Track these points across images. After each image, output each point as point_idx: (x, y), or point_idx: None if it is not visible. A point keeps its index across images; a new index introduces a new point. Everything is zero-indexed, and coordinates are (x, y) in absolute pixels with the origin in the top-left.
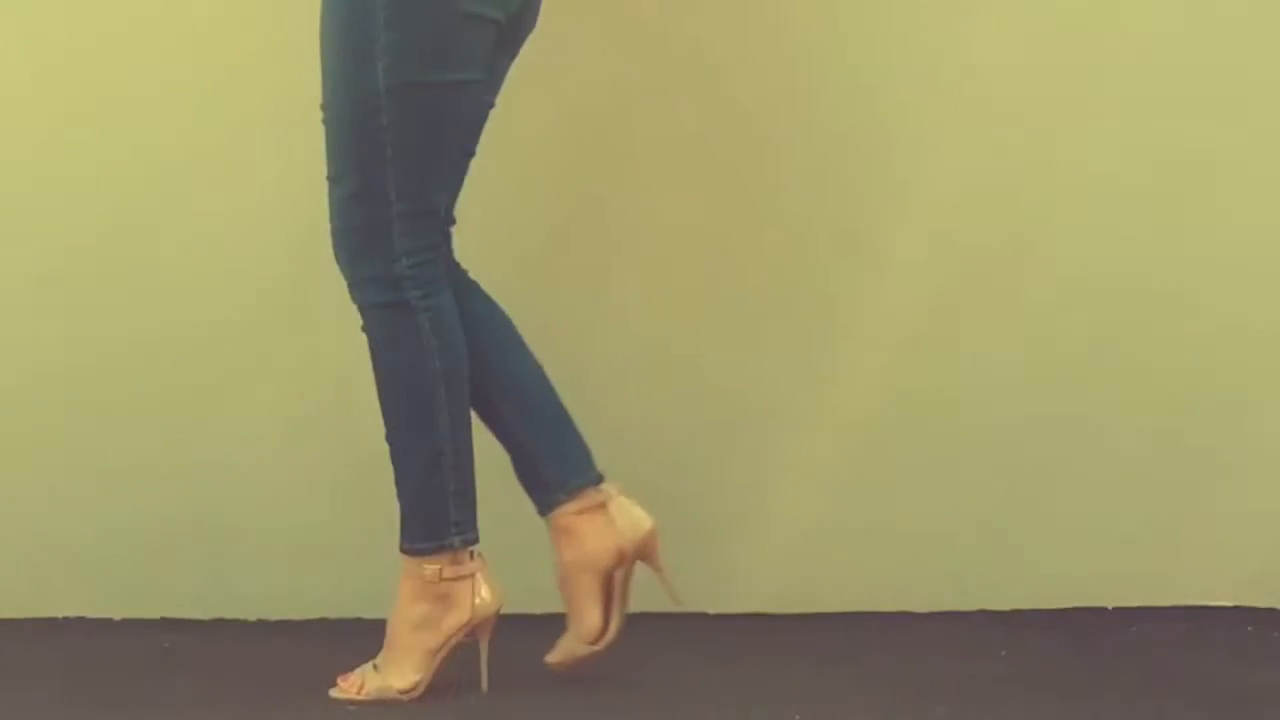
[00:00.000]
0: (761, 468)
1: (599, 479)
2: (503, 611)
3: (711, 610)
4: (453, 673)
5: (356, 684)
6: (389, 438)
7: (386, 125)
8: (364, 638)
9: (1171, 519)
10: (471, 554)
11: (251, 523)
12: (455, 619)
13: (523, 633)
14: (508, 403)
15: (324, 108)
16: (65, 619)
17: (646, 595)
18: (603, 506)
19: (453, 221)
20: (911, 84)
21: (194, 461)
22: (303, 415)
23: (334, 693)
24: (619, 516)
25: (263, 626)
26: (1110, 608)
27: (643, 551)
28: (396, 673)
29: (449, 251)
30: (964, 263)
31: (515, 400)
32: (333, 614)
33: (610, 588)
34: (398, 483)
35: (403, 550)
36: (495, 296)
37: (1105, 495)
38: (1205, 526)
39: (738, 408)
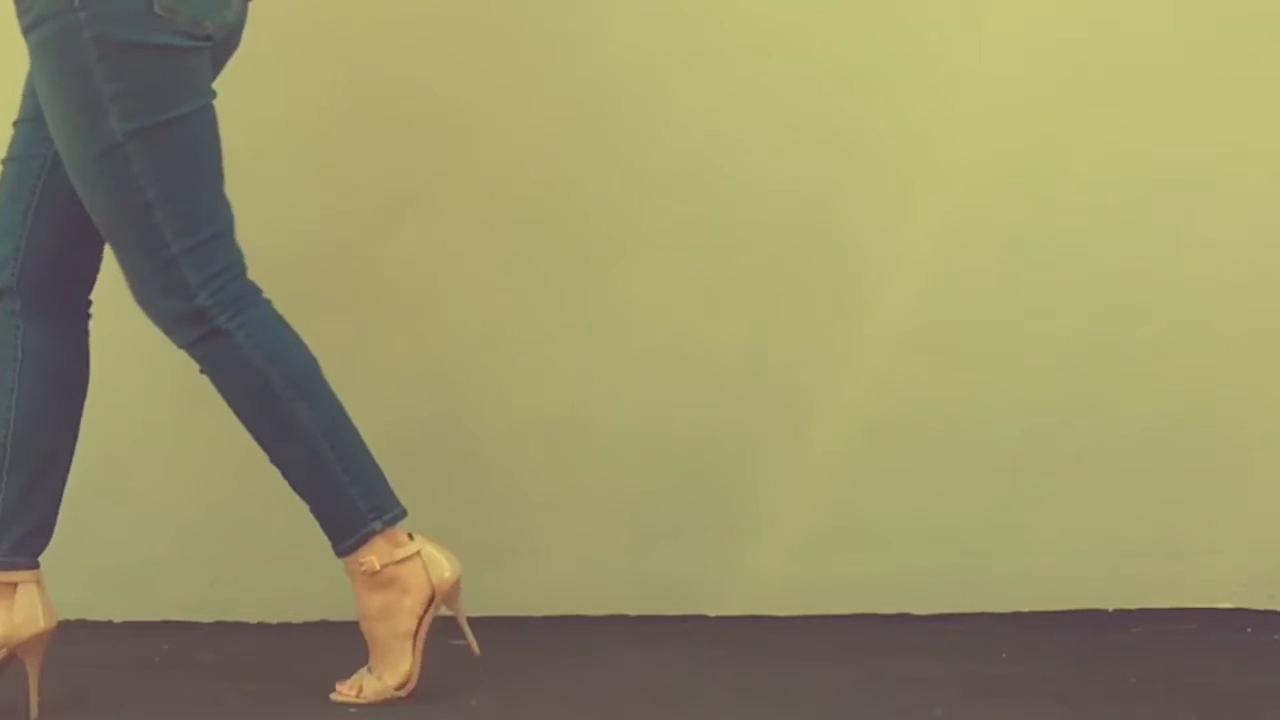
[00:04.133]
0: (762, 468)
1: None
2: (502, 614)
3: (712, 612)
4: (452, 674)
5: (355, 688)
6: (271, 460)
7: (138, 172)
8: (364, 640)
9: (1172, 521)
10: (411, 535)
11: (251, 524)
12: (415, 598)
13: (522, 634)
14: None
15: (69, 169)
16: (66, 621)
17: (648, 598)
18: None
19: None
20: (913, 85)
21: (194, 462)
22: None
23: (334, 697)
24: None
25: (263, 629)
26: (1110, 610)
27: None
28: (388, 670)
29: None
30: (964, 264)
31: (40, 450)
32: (333, 616)
33: None
34: (300, 497)
35: (338, 556)
36: (495, 297)
37: (1105, 497)
38: (1205, 529)
39: (737, 408)
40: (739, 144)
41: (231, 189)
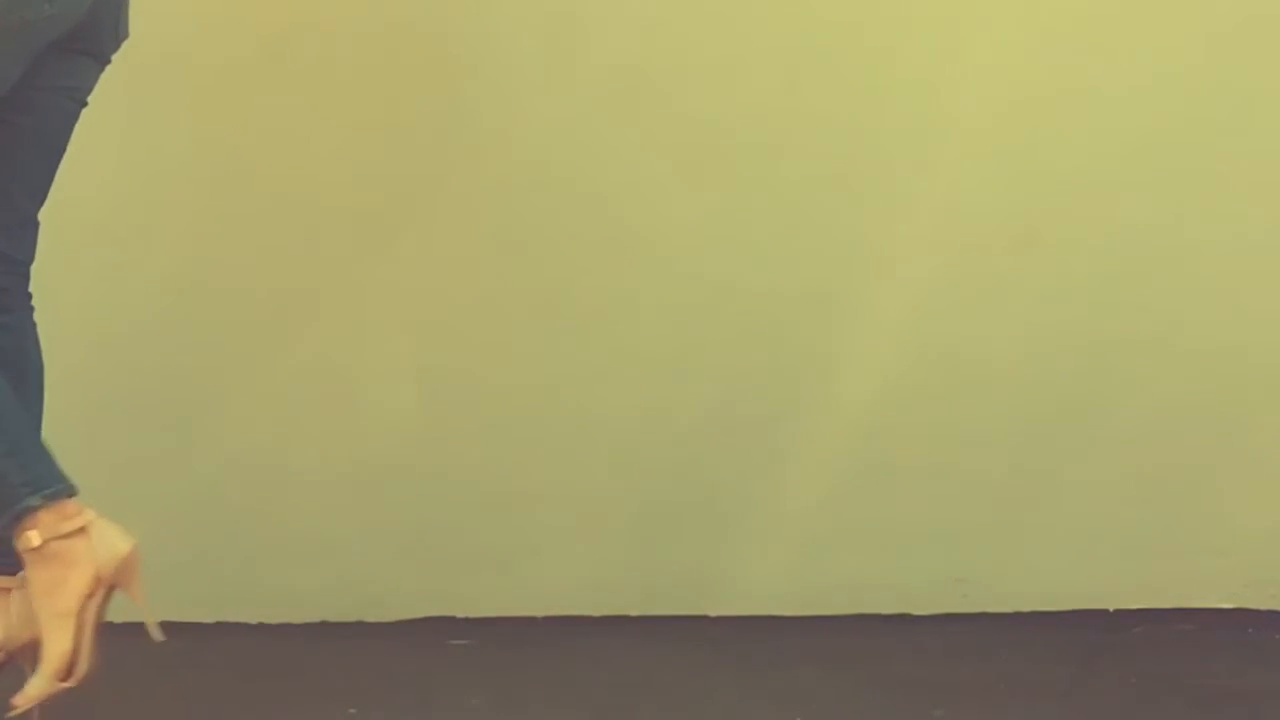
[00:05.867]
0: (762, 468)
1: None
2: (502, 614)
3: (712, 613)
4: (452, 674)
5: (25, 698)
6: None
7: None
8: (365, 641)
9: (1172, 521)
10: (81, 510)
11: (251, 524)
12: (79, 575)
13: (522, 634)
14: None
15: None
16: None
17: (648, 598)
18: None
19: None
20: (914, 86)
21: (194, 461)
22: (303, 415)
23: (11, 715)
24: None
25: (263, 629)
26: (1111, 610)
27: None
28: (46, 654)
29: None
30: (965, 264)
31: None
32: (333, 616)
33: None
34: None
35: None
36: (495, 298)
37: (1106, 497)
38: (1206, 529)
39: (738, 407)
40: (741, 147)
41: (232, 189)
